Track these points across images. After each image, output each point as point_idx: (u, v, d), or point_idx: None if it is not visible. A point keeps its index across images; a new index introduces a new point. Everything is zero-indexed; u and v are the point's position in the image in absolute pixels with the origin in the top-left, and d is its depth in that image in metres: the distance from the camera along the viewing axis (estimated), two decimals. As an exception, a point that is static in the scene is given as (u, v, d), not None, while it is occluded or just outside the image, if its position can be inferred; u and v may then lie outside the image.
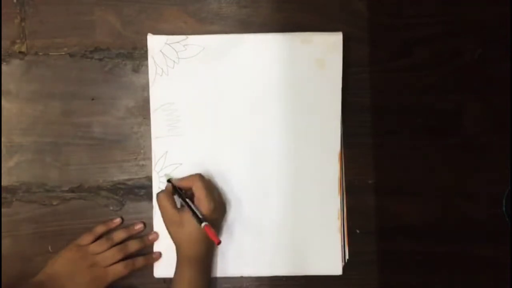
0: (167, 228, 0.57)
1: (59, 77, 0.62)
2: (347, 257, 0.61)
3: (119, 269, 0.58)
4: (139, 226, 0.61)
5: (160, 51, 0.61)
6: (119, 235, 0.60)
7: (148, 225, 0.62)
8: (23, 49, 0.62)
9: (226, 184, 0.61)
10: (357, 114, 0.62)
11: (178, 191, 0.58)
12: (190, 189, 0.57)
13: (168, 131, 0.61)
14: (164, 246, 0.61)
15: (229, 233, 0.61)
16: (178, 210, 0.56)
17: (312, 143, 0.61)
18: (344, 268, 0.61)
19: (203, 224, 0.53)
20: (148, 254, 0.61)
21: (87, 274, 0.57)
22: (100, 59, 0.62)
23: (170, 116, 0.61)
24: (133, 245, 0.60)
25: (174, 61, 0.61)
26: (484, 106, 0.62)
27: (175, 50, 0.61)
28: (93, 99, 0.62)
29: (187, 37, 0.61)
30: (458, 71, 0.62)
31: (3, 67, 0.62)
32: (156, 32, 0.62)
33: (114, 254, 0.58)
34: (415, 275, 0.62)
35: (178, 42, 0.61)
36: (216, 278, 0.61)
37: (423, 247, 0.62)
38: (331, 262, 0.61)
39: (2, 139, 0.62)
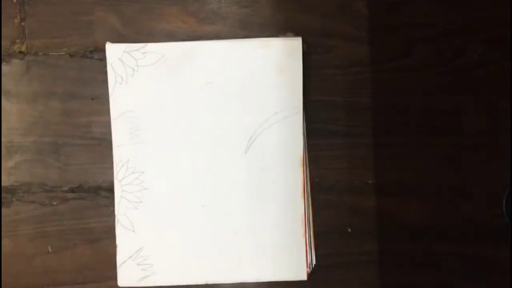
0: None
1: (59, 77, 0.62)
2: (314, 262, 0.61)
3: None
4: None
5: (119, 59, 0.61)
6: None
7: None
8: (23, 49, 0.62)
9: (188, 191, 0.61)
10: (357, 114, 0.62)
11: None
12: None
13: (130, 139, 0.61)
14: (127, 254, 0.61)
15: (192, 239, 0.61)
16: None
17: (274, 148, 0.61)
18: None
19: None
20: None
21: None
22: (100, 59, 0.62)
23: (131, 124, 0.61)
24: None
25: (133, 69, 0.61)
26: (484, 106, 0.62)
27: (134, 58, 0.61)
28: (93, 99, 0.62)
29: (146, 45, 0.61)
30: (458, 71, 0.62)
31: (3, 67, 0.62)
32: (156, 32, 0.62)
33: None
34: (415, 275, 0.62)
35: (137, 50, 0.61)
36: (179, 286, 0.61)
37: (422, 247, 0.62)
38: (295, 267, 0.61)
39: (2, 139, 0.62)
